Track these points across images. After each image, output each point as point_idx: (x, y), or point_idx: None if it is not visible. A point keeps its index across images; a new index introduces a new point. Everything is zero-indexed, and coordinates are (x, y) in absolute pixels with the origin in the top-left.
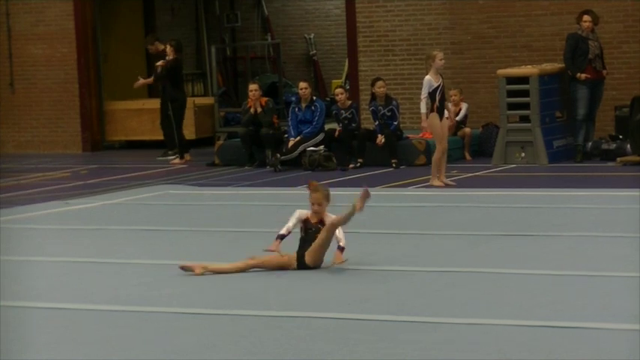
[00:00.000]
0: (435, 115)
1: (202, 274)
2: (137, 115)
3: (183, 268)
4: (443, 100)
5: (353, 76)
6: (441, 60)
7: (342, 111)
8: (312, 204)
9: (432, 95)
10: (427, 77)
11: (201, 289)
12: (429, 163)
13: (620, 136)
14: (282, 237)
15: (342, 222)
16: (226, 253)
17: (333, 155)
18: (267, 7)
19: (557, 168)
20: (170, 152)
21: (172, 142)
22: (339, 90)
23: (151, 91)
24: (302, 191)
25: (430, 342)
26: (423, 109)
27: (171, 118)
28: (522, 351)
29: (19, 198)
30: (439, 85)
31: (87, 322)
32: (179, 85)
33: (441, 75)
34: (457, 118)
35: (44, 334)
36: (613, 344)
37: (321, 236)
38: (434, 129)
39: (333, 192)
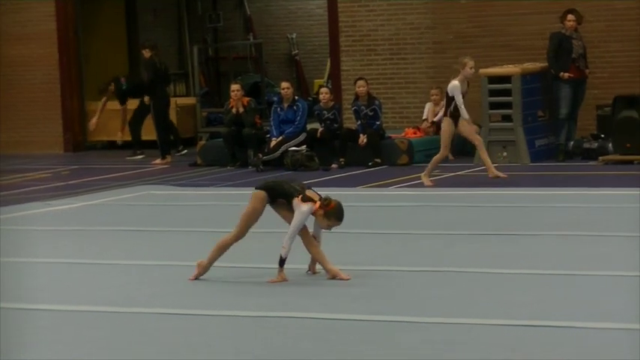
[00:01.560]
0: (448, 121)
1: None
2: (119, 116)
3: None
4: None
5: (335, 76)
6: (471, 69)
7: (325, 111)
8: (329, 226)
9: (450, 100)
10: (455, 83)
11: (186, 290)
12: (411, 162)
13: (602, 135)
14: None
15: (309, 247)
16: (208, 252)
17: (315, 155)
18: (250, 7)
19: (540, 167)
20: (138, 152)
21: (139, 142)
22: (324, 90)
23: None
24: None
25: (412, 342)
26: (465, 114)
27: (152, 118)
28: (504, 350)
29: None
30: (463, 94)
31: (70, 323)
32: (159, 85)
33: (468, 82)
34: (436, 118)
35: (26, 336)
36: (596, 343)
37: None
38: (443, 134)
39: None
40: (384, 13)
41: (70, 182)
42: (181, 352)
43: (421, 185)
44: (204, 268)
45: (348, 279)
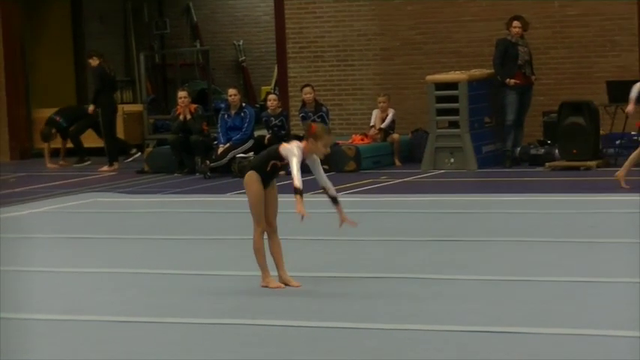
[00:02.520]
0: None
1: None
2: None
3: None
4: None
5: (282, 83)
6: None
7: (272, 118)
8: (325, 147)
9: None
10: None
11: (133, 298)
12: (358, 169)
13: (549, 142)
14: (299, 190)
15: (272, 246)
16: (156, 260)
17: None
18: (196, 13)
19: (487, 173)
20: (85, 159)
21: (83, 149)
22: (272, 96)
23: (79, 99)
24: (232, 198)
25: (364, 349)
26: (635, 93)
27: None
28: (457, 355)
29: None
30: None
31: (20, 331)
32: (107, 93)
33: None
34: (383, 125)
35: None
36: (541, 348)
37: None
38: None
39: None
40: (331, 19)
41: (16, 190)
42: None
43: (368, 192)
44: (268, 278)
45: (298, 286)
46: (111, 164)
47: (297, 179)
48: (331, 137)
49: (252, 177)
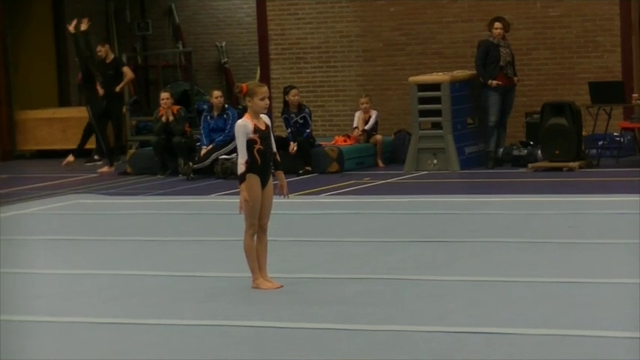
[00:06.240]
0: None
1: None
2: (48, 125)
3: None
4: None
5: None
6: None
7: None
8: (262, 99)
9: None
10: None
11: (114, 299)
12: (341, 170)
13: (531, 143)
14: (243, 177)
15: (259, 245)
16: (139, 261)
17: None
18: (179, 15)
19: (469, 174)
20: (96, 157)
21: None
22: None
23: (61, 100)
24: (215, 200)
25: (345, 350)
26: None
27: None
28: (435, 357)
29: None
30: None
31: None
32: (94, 93)
33: None
34: (367, 127)
35: None
36: (525, 349)
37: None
38: None
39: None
40: (313, 21)
41: None
42: None
43: (351, 193)
44: (259, 279)
45: (279, 287)
46: (111, 164)
47: (239, 167)
48: (264, 87)
49: (250, 180)
